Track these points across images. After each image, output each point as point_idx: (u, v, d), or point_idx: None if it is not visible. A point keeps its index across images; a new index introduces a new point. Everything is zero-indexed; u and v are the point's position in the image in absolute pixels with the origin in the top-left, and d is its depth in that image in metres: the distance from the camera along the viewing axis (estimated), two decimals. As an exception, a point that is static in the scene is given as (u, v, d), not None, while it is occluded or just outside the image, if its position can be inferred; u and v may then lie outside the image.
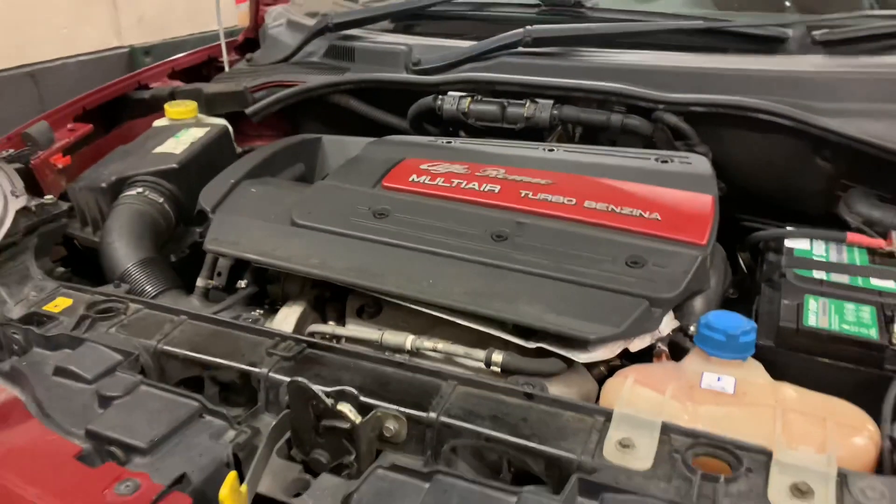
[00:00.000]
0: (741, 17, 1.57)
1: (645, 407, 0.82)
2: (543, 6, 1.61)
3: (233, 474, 0.70)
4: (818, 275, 1.05)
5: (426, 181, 1.22)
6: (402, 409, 0.83)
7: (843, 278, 1.04)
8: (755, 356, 0.95)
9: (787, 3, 1.62)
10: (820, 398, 0.85)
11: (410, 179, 1.23)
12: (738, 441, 0.75)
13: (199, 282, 1.22)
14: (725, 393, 0.85)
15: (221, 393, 1.01)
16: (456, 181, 1.21)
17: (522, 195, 1.16)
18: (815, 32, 1.40)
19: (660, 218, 1.09)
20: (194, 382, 0.98)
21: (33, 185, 1.42)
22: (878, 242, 1.11)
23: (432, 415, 0.82)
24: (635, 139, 1.40)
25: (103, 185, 1.38)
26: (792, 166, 1.34)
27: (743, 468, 0.72)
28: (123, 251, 1.24)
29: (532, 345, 0.94)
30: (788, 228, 1.18)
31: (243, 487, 0.73)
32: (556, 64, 1.46)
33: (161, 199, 1.37)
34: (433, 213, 1.14)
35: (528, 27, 1.48)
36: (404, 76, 1.55)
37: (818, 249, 1.12)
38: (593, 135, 1.46)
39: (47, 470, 0.79)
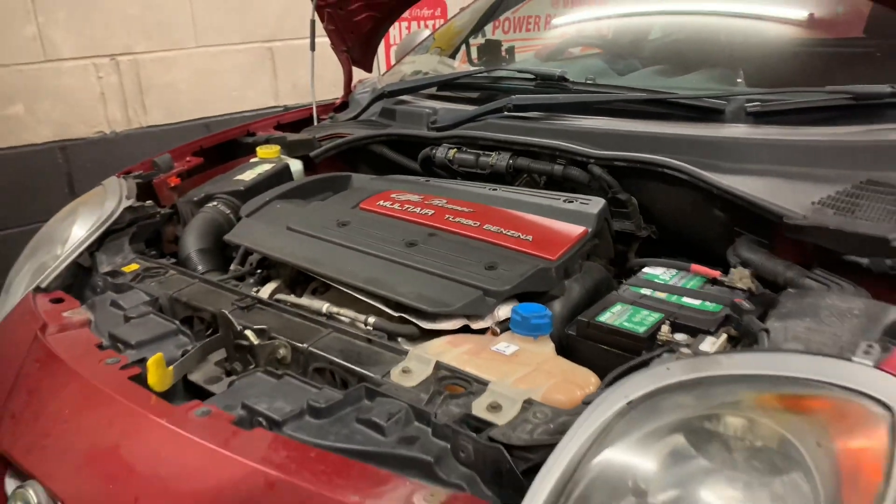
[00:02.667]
0: (701, 93, 1.83)
1: (438, 352, 1.16)
2: (538, 80, 1.98)
3: (159, 354, 1.16)
4: (645, 291, 1.32)
5: (388, 205, 1.64)
6: (289, 340, 1.24)
7: (662, 295, 1.30)
8: (567, 342, 1.26)
9: (739, 80, 1.85)
10: (574, 368, 1.14)
11: (378, 203, 1.66)
12: (475, 376, 1.07)
13: (232, 266, 1.72)
14: (503, 354, 1.16)
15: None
16: (407, 206, 1.62)
17: (445, 217, 1.54)
18: (747, 105, 1.64)
19: (531, 239, 1.41)
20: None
21: (153, 196, 2.03)
22: (712, 272, 1.35)
23: (304, 345, 1.22)
24: (585, 187, 1.72)
25: (195, 199, 1.95)
26: (697, 215, 1.58)
27: (466, 391, 1.05)
28: (190, 242, 1.78)
29: (396, 314, 1.31)
30: (658, 260, 1.45)
31: (170, 368, 1.18)
32: (528, 125, 1.83)
33: (229, 211, 1.91)
34: (377, 225, 1.55)
35: (512, 97, 1.87)
36: (417, 131, 1.99)
37: (665, 275, 1.38)
38: (556, 183, 1.80)
39: (79, 349, 1.30)
